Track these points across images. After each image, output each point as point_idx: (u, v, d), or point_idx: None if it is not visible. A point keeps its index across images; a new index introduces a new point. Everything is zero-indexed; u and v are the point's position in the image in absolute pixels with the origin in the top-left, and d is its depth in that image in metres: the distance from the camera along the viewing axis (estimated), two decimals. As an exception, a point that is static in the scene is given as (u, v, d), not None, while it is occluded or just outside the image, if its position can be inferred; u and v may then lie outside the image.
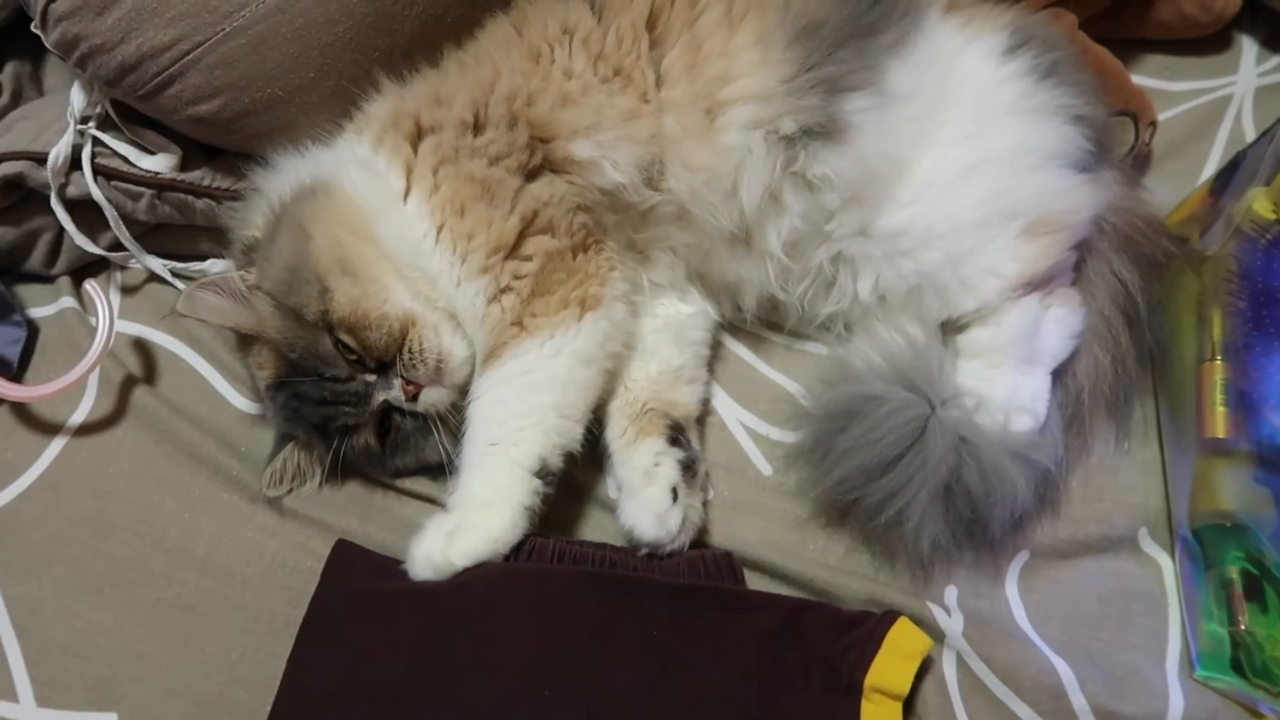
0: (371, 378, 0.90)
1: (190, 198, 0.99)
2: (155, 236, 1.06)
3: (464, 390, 0.91)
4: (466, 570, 0.82)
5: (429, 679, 0.78)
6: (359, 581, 0.85)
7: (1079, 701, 0.85)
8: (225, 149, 1.02)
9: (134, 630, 0.89)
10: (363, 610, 0.83)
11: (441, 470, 0.93)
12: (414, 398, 0.90)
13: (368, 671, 0.79)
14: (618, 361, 0.94)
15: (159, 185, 0.98)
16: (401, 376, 0.89)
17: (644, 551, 0.88)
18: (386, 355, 0.89)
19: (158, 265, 1.04)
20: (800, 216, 0.92)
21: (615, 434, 0.94)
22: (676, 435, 0.93)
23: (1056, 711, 0.85)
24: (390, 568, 0.85)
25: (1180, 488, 0.94)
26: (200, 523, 0.94)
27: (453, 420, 0.91)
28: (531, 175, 0.90)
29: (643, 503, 0.88)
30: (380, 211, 0.90)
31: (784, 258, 0.95)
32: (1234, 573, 0.87)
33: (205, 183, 0.99)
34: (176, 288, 1.05)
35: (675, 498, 0.88)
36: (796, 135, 0.88)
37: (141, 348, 1.04)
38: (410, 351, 0.88)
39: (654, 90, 0.90)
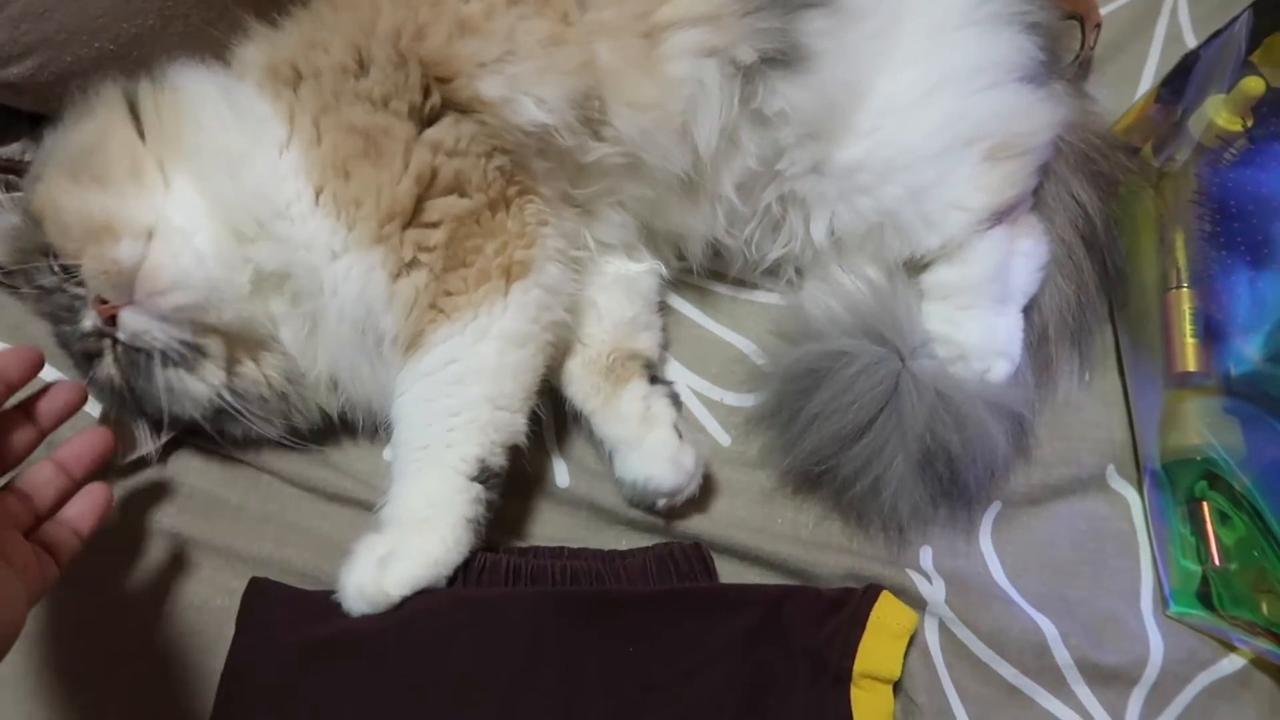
0: (82, 290, 0.77)
1: (9, 176, 0.81)
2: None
3: (204, 326, 0.78)
4: (409, 602, 0.72)
5: (380, 738, 0.69)
6: (283, 627, 0.74)
7: (1063, 656, 0.83)
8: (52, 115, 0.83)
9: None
10: (290, 665, 0.72)
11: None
12: (110, 320, 0.76)
13: (308, 736, 0.70)
14: (561, 332, 0.84)
15: (-34, 164, 0.80)
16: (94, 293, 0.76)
17: (662, 503, 0.83)
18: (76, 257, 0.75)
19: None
20: (756, 157, 0.84)
21: (588, 393, 0.86)
22: (654, 375, 0.87)
23: (1041, 669, 0.83)
24: (317, 605, 0.75)
25: (1147, 421, 0.92)
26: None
27: (202, 363, 0.78)
28: (429, 120, 0.77)
29: (650, 451, 0.82)
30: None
31: (735, 200, 0.87)
32: (1205, 508, 0.86)
33: (27, 158, 0.81)
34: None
35: (679, 435, 0.82)
36: (755, 65, 0.78)
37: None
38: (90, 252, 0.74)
39: (576, 9, 0.78)
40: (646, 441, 0.82)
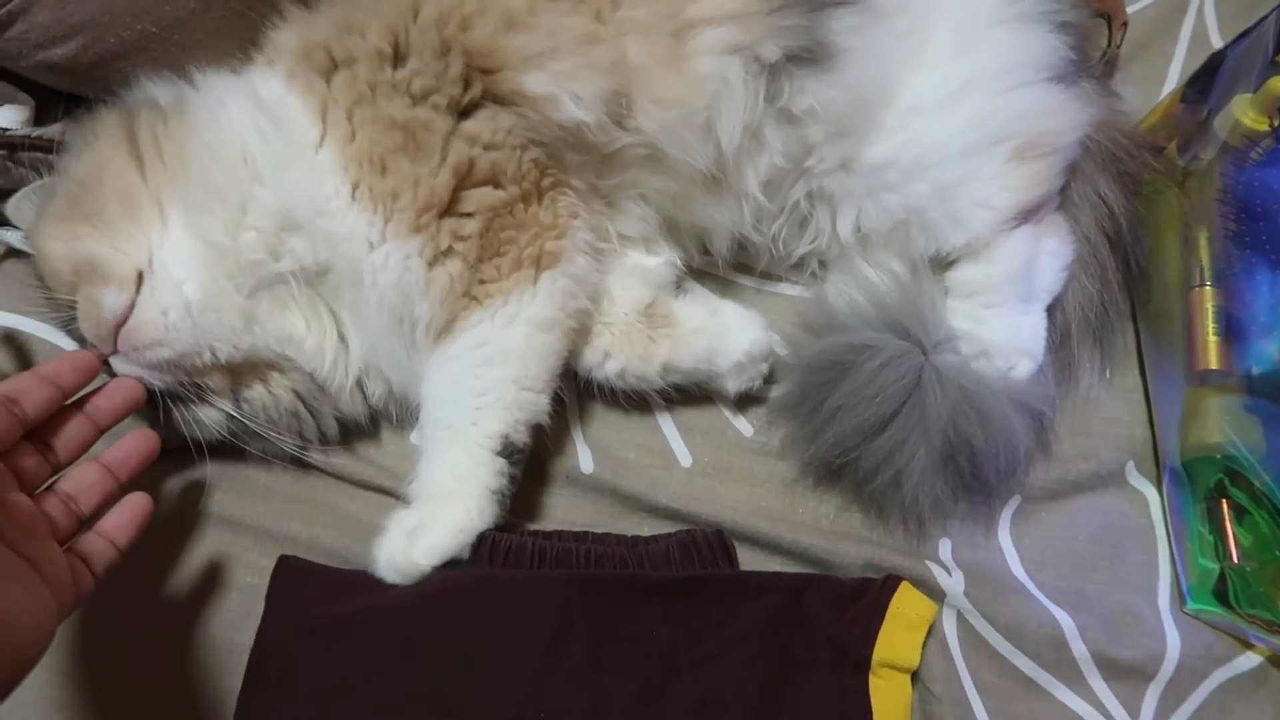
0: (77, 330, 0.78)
1: (51, 156, 0.81)
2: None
3: (198, 368, 0.78)
4: (436, 580, 0.74)
5: (407, 715, 0.70)
6: (312, 604, 0.75)
7: (1080, 650, 0.83)
8: (91, 96, 0.84)
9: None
10: (321, 639, 0.73)
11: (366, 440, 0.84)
12: (105, 361, 0.76)
13: (335, 712, 0.70)
14: (584, 319, 0.85)
15: (8, 144, 0.80)
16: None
17: (765, 368, 0.89)
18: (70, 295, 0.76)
19: (16, 238, 0.87)
20: (782, 154, 0.83)
21: (647, 353, 0.86)
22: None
23: (1059, 662, 0.83)
24: (346, 581, 0.76)
25: (1167, 418, 0.92)
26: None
27: (207, 395, 0.80)
28: (467, 111, 0.77)
29: (736, 326, 0.87)
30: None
31: (761, 198, 0.86)
32: (1224, 506, 0.86)
33: (67, 138, 0.81)
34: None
35: None
36: (780, 63, 0.78)
37: (12, 343, 0.88)
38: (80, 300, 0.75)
39: (609, 8, 0.78)
40: (728, 324, 0.87)
